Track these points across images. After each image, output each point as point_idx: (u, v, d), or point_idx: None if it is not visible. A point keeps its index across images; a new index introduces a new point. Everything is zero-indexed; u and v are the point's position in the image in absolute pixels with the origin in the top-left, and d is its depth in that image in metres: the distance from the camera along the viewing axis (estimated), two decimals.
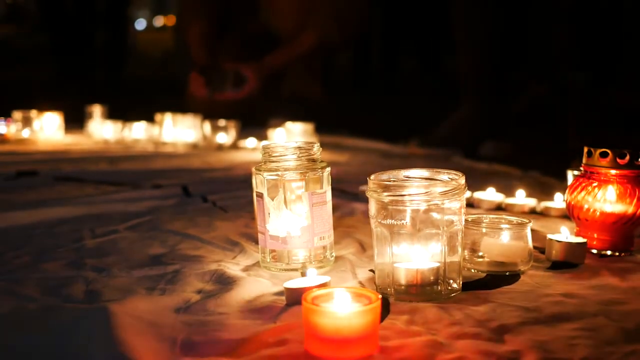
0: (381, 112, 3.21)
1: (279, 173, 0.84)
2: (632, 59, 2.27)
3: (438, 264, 0.73)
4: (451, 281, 0.74)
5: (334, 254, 0.88)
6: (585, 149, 0.94)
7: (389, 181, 0.76)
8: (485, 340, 0.62)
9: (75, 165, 1.77)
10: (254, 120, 2.47)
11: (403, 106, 3.23)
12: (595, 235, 0.93)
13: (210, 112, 2.35)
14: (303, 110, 2.58)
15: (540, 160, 1.75)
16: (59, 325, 0.64)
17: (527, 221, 0.85)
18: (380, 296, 0.60)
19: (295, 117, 2.17)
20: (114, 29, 4.09)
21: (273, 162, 0.85)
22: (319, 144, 0.87)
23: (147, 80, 4.18)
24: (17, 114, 2.26)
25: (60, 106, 2.40)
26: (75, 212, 1.18)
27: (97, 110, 2.43)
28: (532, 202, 1.23)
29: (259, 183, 0.85)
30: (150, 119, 2.30)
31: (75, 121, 2.50)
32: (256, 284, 0.79)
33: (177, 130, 2.22)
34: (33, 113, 2.28)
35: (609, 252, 0.92)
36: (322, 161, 0.87)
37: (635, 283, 0.80)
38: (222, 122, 2.20)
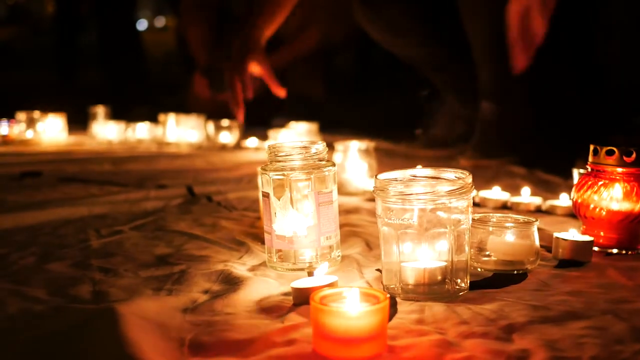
0: (383, 111, 3.21)
1: (285, 173, 0.84)
2: None
3: (445, 263, 0.73)
4: (459, 280, 0.74)
5: (340, 254, 0.88)
6: (592, 147, 0.94)
7: (395, 180, 0.76)
8: (494, 339, 0.62)
9: (79, 166, 1.77)
10: (258, 119, 2.46)
11: (405, 105, 3.22)
12: (602, 234, 0.93)
13: (213, 112, 2.35)
14: (306, 110, 2.57)
15: (544, 158, 1.74)
16: (66, 326, 0.64)
17: (534, 220, 0.85)
18: (388, 295, 0.60)
19: (298, 117, 2.17)
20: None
21: (279, 161, 0.85)
22: (325, 144, 0.87)
23: (149, 81, 4.19)
24: (21, 115, 2.26)
25: (63, 107, 2.41)
26: (80, 212, 1.18)
27: (100, 111, 2.44)
28: (537, 200, 1.22)
29: (265, 183, 0.85)
30: (153, 119, 2.30)
31: (79, 122, 2.51)
32: (263, 284, 0.79)
33: (181, 131, 2.22)
34: (36, 114, 2.28)
35: (615, 251, 0.92)
36: (328, 160, 0.87)
37: None
38: (225, 122, 2.20)
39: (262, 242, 0.91)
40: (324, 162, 0.86)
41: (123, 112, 2.53)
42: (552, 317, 0.67)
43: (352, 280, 0.81)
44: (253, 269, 0.86)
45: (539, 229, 0.87)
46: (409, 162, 1.88)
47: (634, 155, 0.90)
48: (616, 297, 0.74)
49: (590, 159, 0.94)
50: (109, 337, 0.61)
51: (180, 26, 3.35)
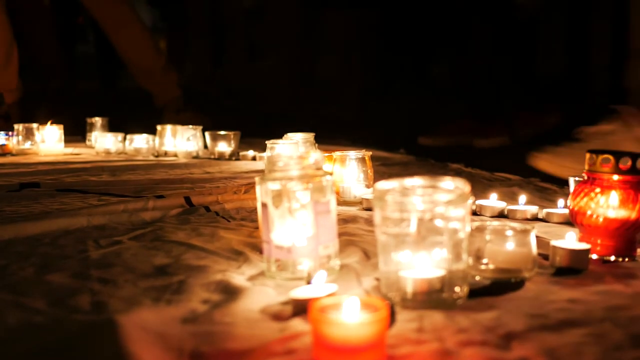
0: (379, 120, 3.23)
1: (283, 182, 0.84)
2: None
3: (444, 272, 0.73)
4: (457, 288, 0.74)
5: (338, 263, 0.88)
6: (588, 155, 0.94)
7: (393, 189, 0.76)
8: (493, 347, 0.62)
9: (77, 177, 1.77)
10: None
11: (400, 113, 3.25)
12: (599, 241, 0.93)
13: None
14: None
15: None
16: (66, 337, 0.64)
17: (531, 228, 0.85)
18: (387, 304, 0.60)
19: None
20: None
21: (277, 171, 0.85)
22: (321, 153, 0.88)
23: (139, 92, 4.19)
24: (19, 126, 2.27)
25: (61, 117, 2.41)
26: (78, 223, 1.18)
27: (97, 122, 2.44)
28: (534, 208, 1.23)
29: (263, 192, 0.85)
30: (151, 130, 2.31)
31: (76, 133, 2.51)
32: (262, 294, 0.79)
33: (178, 141, 2.22)
34: (34, 125, 2.28)
35: (612, 258, 0.93)
36: (325, 170, 0.87)
37: None
38: (222, 132, 2.21)
39: (261, 251, 0.91)
40: (321, 172, 0.86)
41: (121, 124, 2.53)
42: (551, 324, 0.68)
43: (350, 289, 0.81)
44: (252, 278, 0.86)
45: (537, 237, 0.87)
46: (407, 170, 1.88)
47: (629, 163, 0.91)
48: (614, 304, 0.74)
49: (587, 166, 0.95)
50: (109, 348, 0.61)
51: None
